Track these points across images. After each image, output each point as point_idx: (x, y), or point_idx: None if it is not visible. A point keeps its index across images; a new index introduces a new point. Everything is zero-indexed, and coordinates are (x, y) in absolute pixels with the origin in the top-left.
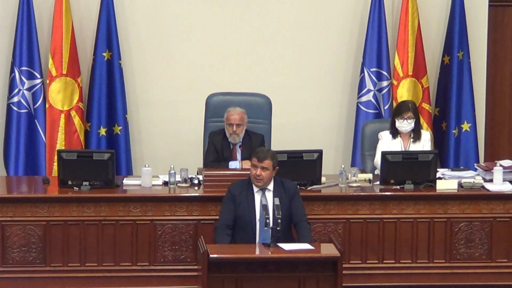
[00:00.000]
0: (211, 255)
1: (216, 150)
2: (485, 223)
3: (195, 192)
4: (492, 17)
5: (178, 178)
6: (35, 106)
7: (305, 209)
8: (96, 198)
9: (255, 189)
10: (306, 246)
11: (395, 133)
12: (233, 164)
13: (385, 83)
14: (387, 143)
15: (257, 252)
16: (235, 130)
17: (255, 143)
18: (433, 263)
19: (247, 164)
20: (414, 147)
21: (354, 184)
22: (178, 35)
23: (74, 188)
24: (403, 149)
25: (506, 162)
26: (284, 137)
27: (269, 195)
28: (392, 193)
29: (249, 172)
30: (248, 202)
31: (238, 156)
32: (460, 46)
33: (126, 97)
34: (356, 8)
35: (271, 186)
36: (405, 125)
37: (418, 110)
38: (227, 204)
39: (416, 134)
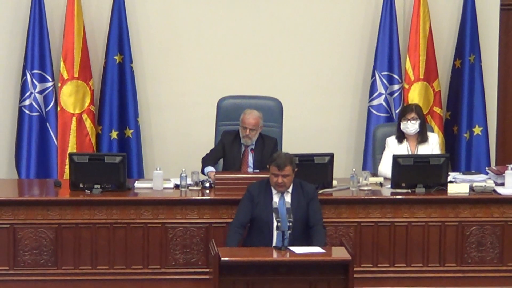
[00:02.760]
0: (222, 258)
1: (224, 149)
2: (496, 226)
3: (206, 195)
4: (503, 21)
5: (189, 181)
6: (47, 109)
7: (321, 213)
8: (107, 201)
9: (274, 190)
10: (317, 249)
11: (401, 137)
12: (206, 170)
13: (396, 87)
14: (393, 150)
15: (269, 255)
16: (248, 133)
17: (268, 147)
18: (444, 267)
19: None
20: (422, 150)
21: (365, 188)
22: (189, 38)
23: (86, 191)
24: (410, 153)
25: None
26: (295, 140)
27: (288, 196)
28: (403, 197)
29: (263, 176)
30: (265, 203)
31: (250, 158)
32: (471, 50)
33: (138, 100)
34: (368, 11)
35: (290, 188)
36: (409, 126)
37: (423, 113)
38: (245, 203)
39: (422, 136)
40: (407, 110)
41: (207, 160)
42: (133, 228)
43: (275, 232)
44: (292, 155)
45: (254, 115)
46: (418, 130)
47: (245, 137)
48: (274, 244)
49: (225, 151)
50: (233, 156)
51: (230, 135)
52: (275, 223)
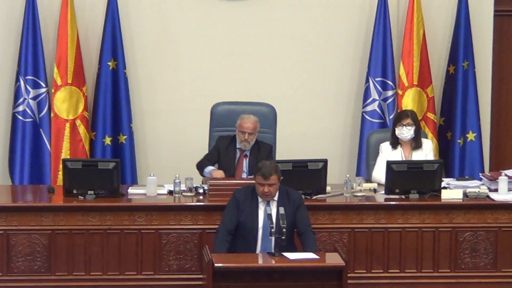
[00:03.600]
0: (216, 264)
1: (219, 153)
2: (490, 232)
3: (200, 201)
4: (497, 27)
5: (183, 187)
6: (40, 115)
7: (309, 219)
8: (101, 207)
9: (260, 198)
10: (311, 255)
11: (395, 143)
12: (207, 170)
13: (390, 93)
14: (387, 156)
15: (262, 261)
16: (246, 138)
17: (263, 153)
18: (438, 272)
19: (217, 174)
20: (416, 156)
21: (359, 194)
22: (183, 44)
23: (79, 197)
24: (404, 159)
25: (511, 172)
26: (289, 146)
27: (273, 204)
28: (397, 203)
29: (252, 182)
30: (251, 210)
31: (245, 163)
32: (465, 56)
33: (131, 106)
34: (361, 17)
35: (276, 196)
36: (404, 132)
37: (418, 119)
38: (231, 208)
39: (416, 142)
40: (402, 116)
41: (205, 162)
42: (127, 234)
43: (259, 239)
44: (277, 163)
45: (252, 120)
46: (413, 136)
47: (243, 141)
48: (258, 250)
49: (220, 155)
50: (227, 161)
51: (225, 140)
52: (260, 230)
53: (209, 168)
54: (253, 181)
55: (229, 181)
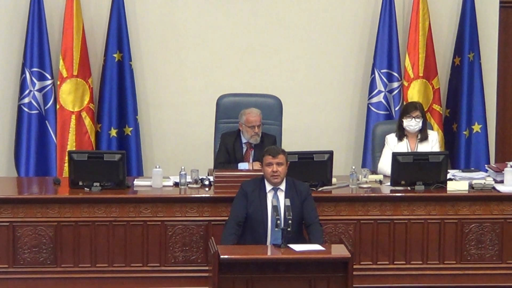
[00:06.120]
0: (221, 256)
1: (228, 151)
2: (495, 224)
3: (205, 193)
4: (503, 18)
5: (188, 179)
6: (46, 107)
7: (317, 211)
8: (107, 199)
9: (268, 188)
10: (317, 247)
11: (401, 135)
12: (242, 166)
13: (395, 84)
14: (392, 147)
15: (268, 253)
16: (257, 131)
17: (267, 144)
18: (443, 264)
19: (257, 165)
20: (422, 147)
21: (365, 185)
22: (188, 36)
23: (85, 189)
24: (410, 151)
25: None
26: (295, 138)
27: (281, 195)
28: (403, 194)
29: (259, 173)
30: (260, 201)
31: (251, 155)
32: (470, 47)
33: (137, 98)
34: (367, 9)
35: (283, 186)
36: (413, 124)
37: (424, 111)
38: (239, 200)
39: (423, 134)
40: (411, 108)
41: (224, 162)
42: (133, 226)
43: (269, 230)
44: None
45: (257, 112)
46: (421, 128)
47: (254, 135)
48: (268, 242)
49: (229, 153)
50: (235, 156)
51: (230, 136)
52: (269, 221)
53: (242, 165)
54: (260, 173)
55: (234, 172)
